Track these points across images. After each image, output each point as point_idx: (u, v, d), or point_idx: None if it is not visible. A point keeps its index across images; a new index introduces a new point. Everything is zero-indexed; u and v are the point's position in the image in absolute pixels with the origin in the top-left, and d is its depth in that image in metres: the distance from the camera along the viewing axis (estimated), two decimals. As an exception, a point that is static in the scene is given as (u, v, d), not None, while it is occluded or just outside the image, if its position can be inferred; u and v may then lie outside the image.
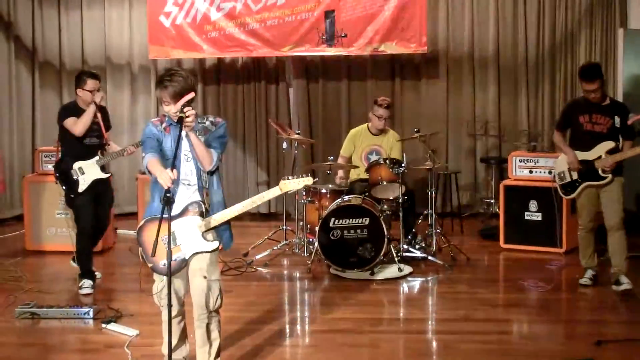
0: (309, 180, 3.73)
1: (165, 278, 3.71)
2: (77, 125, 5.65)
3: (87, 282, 5.70)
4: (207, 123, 3.82)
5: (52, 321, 5.02)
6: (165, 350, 3.93)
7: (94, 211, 5.80)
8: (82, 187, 5.72)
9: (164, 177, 3.55)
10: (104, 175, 5.85)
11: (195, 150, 3.70)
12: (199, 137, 3.72)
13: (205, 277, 3.73)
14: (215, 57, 8.69)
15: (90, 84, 5.72)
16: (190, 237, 3.72)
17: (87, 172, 5.73)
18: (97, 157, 5.79)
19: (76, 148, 5.74)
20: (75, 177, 5.71)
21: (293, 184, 3.73)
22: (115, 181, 7.91)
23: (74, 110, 5.77)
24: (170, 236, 3.57)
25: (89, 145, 5.77)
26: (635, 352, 4.34)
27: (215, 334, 3.84)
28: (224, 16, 8.34)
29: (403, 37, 8.18)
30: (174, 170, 3.57)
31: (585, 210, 5.58)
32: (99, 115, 5.81)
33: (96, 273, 5.99)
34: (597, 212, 5.56)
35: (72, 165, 5.72)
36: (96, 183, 5.77)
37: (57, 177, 5.81)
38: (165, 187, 3.51)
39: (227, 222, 3.83)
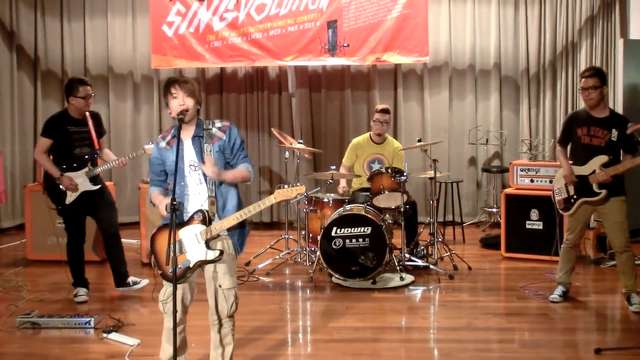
0: (301, 189, 3.81)
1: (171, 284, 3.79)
2: (40, 157, 5.62)
3: (81, 290, 5.71)
4: (214, 130, 3.87)
5: (53, 331, 5.02)
6: (163, 356, 3.99)
7: (96, 218, 5.79)
8: (69, 199, 5.59)
9: (161, 208, 3.79)
10: (93, 188, 5.65)
11: (232, 182, 3.88)
12: (206, 144, 3.79)
13: (220, 286, 3.83)
14: (218, 67, 8.73)
15: (82, 91, 5.58)
16: (194, 245, 3.77)
17: (77, 183, 5.60)
18: (86, 169, 5.62)
19: (65, 158, 5.60)
20: (63, 189, 5.57)
21: (287, 193, 3.81)
22: (117, 191, 7.95)
23: (60, 121, 5.61)
24: (176, 244, 3.61)
25: (79, 155, 5.62)
26: (634, 359, 4.34)
27: (229, 339, 3.94)
28: (226, 26, 8.38)
29: (405, 47, 8.22)
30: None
31: (577, 227, 5.43)
32: (90, 122, 5.67)
33: (137, 280, 5.85)
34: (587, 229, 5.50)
35: (61, 176, 5.57)
36: (87, 195, 5.63)
37: (44, 188, 5.72)
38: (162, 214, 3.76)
39: (238, 227, 3.87)
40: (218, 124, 3.91)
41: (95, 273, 6.33)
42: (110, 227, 5.78)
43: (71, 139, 5.60)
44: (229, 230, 3.83)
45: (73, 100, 5.62)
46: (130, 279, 5.85)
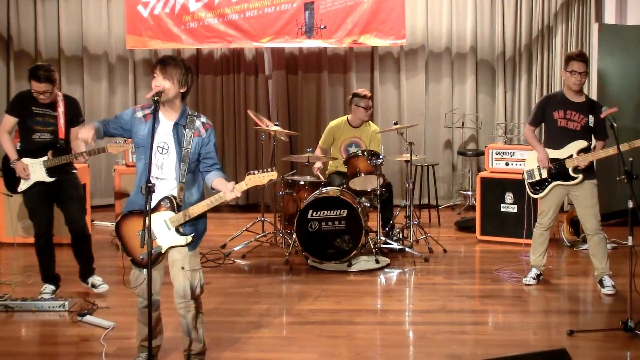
0: (273, 175, 3.77)
1: (141, 269, 3.82)
2: (1, 136, 5.14)
3: (48, 288, 5.33)
4: (198, 122, 3.84)
5: (27, 314, 4.97)
6: (138, 338, 4.01)
7: (63, 212, 5.32)
8: (21, 187, 5.14)
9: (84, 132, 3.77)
10: (48, 180, 5.12)
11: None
12: (188, 129, 3.75)
13: (182, 268, 3.81)
14: (194, 48, 8.64)
15: (32, 85, 5.03)
16: (164, 231, 3.77)
17: (31, 171, 5.11)
18: (45, 157, 5.11)
19: (24, 141, 5.17)
20: (17, 174, 5.11)
21: (258, 179, 3.76)
22: (91, 173, 7.88)
23: (26, 100, 5.12)
24: (149, 228, 3.58)
25: (38, 141, 5.13)
26: (605, 341, 4.42)
27: (198, 322, 3.93)
28: (202, 7, 8.30)
29: (382, 29, 8.21)
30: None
31: (550, 211, 5.46)
32: (60, 108, 5.16)
33: (97, 284, 5.45)
34: (560, 212, 5.56)
35: (17, 160, 5.11)
36: (47, 186, 5.15)
37: (1, 169, 5.30)
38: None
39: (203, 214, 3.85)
40: (203, 118, 3.88)
41: (68, 255, 6.25)
42: (76, 224, 5.34)
43: (33, 122, 5.14)
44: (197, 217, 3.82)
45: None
46: (91, 280, 5.46)
